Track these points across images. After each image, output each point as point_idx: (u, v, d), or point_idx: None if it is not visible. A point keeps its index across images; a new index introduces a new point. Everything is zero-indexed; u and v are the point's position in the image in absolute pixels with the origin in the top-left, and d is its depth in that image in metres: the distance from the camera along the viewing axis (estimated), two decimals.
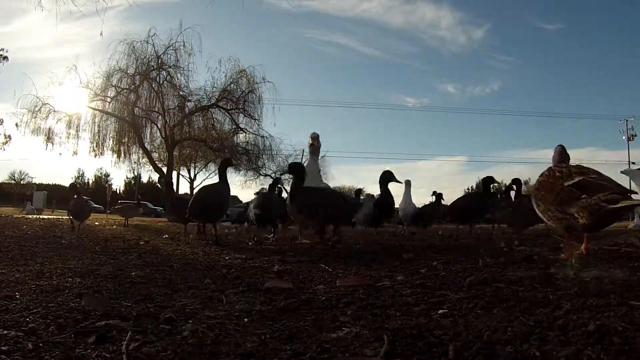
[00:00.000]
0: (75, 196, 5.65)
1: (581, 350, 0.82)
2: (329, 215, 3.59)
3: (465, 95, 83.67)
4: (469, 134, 79.82)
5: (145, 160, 17.86)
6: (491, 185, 5.29)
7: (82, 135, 16.69)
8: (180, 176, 22.35)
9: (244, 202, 11.31)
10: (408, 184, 6.58)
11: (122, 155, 16.99)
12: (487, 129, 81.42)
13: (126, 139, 16.89)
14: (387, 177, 4.61)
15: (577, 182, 2.07)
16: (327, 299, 1.42)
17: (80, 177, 53.26)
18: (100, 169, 51.15)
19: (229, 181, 4.01)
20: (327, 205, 3.53)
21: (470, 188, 42.84)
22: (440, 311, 1.20)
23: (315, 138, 4.08)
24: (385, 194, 4.66)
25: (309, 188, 3.73)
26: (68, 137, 16.57)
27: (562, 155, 2.59)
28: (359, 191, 7.26)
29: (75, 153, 16.86)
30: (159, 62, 16.39)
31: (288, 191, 3.97)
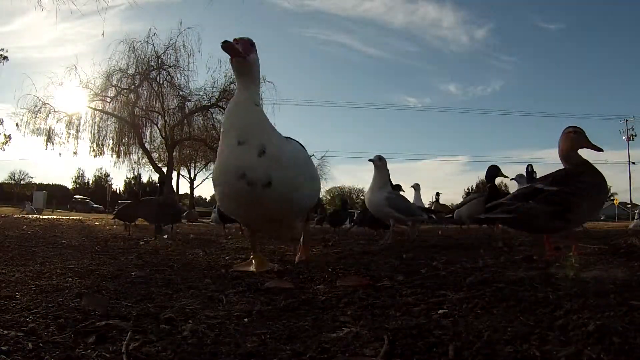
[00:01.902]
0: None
1: (581, 350, 0.82)
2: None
3: (467, 95, 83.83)
4: (471, 133, 79.88)
5: (145, 160, 17.85)
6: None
7: (82, 135, 16.68)
8: (181, 176, 22.36)
9: None
10: (417, 187, 6.71)
11: (122, 155, 16.95)
12: (488, 128, 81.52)
13: (126, 139, 16.87)
14: (493, 173, 4.44)
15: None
16: (327, 299, 1.42)
17: (80, 177, 53.29)
18: (100, 169, 51.08)
19: None
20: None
21: (470, 188, 42.77)
22: (440, 311, 1.20)
23: (244, 42, 1.97)
24: (495, 189, 4.48)
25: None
26: (68, 137, 16.56)
27: (563, 146, 2.35)
28: (399, 187, 6.63)
29: (75, 153, 16.84)
30: (159, 62, 16.36)
31: None
